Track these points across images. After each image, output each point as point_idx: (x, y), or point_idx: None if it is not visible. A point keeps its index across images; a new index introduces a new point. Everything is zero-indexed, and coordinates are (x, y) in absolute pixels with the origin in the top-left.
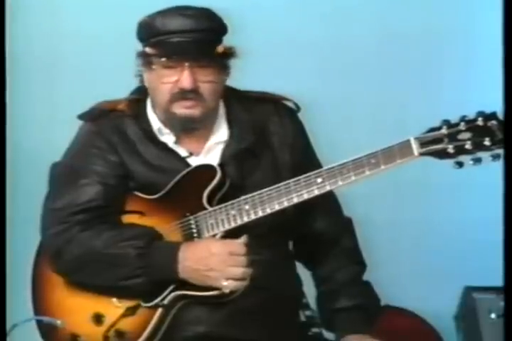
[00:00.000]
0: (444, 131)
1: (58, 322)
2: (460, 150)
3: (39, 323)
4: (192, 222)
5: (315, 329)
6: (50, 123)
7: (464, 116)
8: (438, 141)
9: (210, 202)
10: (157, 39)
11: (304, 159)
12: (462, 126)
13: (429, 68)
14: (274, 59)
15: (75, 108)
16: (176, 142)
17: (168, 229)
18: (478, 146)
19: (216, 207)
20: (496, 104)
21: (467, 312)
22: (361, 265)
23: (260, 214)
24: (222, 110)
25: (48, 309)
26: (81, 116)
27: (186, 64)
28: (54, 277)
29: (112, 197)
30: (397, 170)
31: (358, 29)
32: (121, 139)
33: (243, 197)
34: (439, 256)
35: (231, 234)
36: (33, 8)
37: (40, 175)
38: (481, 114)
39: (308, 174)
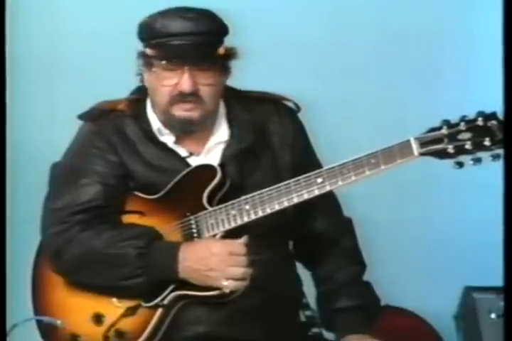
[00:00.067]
0: (444, 131)
1: (58, 322)
2: (460, 150)
3: (39, 323)
4: (192, 221)
5: (315, 330)
6: (50, 123)
7: (464, 116)
8: (438, 141)
9: (210, 202)
10: (157, 41)
11: (304, 159)
12: (462, 126)
13: (429, 68)
14: (274, 59)
15: (75, 108)
16: (176, 142)
17: (168, 229)
18: (478, 146)
19: (216, 207)
20: (496, 104)
21: (467, 312)
22: (361, 265)
23: (260, 214)
24: (222, 110)
25: (48, 309)
26: (81, 116)
27: (186, 67)
28: (54, 277)
29: (112, 197)
30: (397, 170)
31: (358, 29)
32: (121, 139)
33: (243, 197)
34: (439, 256)
35: (231, 234)
36: (33, 8)
37: (40, 175)
38: (481, 114)
39: (308, 174)
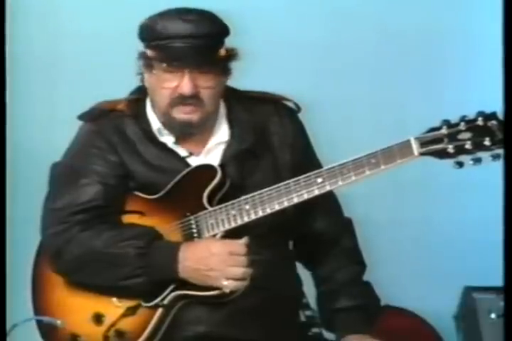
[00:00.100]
0: (444, 131)
1: (58, 322)
2: (460, 150)
3: (39, 323)
4: (192, 221)
5: (315, 330)
6: (50, 123)
7: (464, 116)
8: (438, 140)
9: (210, 202)
10: (158, 43)
11: (304, 159)
12: (462, 126)
13: (429, 68)
14: (274, 59)
15: (75, 108)
16: (176, 142)
17: (169, 229)
18: (478, 146)
19: (216, 207)
20: (496, 104)
21: (467, 312)
22: (361, 265)
23: (260, 214)
24: (222, 110)
25: (48, 309)
26: (81, 116)
27: (187, 70)
28: (54, 277)
29: (112, 197)
30: (397, 170)
31: (358, 29)
32: (121, 139)
33: (243, 197)
34: (439, 256)
35: (231, 234)
36: (33, 9)
37: (40, 175)
38: (481, 114)
39: (308, 174)
